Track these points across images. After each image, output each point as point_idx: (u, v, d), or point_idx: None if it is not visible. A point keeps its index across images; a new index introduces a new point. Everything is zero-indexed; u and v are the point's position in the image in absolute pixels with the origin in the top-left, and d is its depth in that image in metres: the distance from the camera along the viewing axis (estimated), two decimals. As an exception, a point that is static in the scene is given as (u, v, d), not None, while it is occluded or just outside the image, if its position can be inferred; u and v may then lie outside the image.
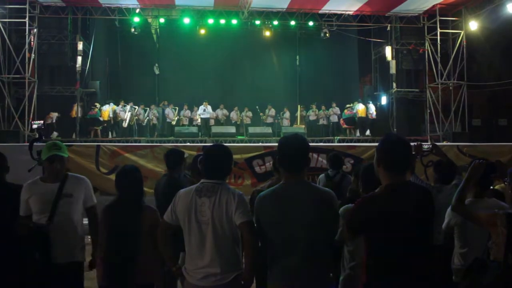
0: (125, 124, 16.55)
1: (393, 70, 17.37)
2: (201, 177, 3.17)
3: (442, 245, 3.72)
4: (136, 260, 3.30)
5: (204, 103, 17.30)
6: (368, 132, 17.18)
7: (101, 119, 16.54)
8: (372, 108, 17.55)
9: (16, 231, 3.51)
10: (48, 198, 3.50)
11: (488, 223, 2.76)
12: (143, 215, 3.39)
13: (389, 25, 17.57)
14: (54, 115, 15.63)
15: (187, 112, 17.53)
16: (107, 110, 16.66)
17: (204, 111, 17.25)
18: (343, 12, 16.83)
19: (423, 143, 4.42)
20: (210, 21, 17.00)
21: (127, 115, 16.62)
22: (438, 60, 16.50)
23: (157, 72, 19.11)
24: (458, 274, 3.44)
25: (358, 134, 17.40)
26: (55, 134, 14.96)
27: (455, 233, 3.51)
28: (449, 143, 12.64)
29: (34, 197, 3.54)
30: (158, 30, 19.68)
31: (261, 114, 17.88)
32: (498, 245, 2.69)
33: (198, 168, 3.89)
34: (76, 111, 15.94)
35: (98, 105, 16.54)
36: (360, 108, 17.36)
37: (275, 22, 17.34)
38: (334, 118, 17.68)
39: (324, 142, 15.32)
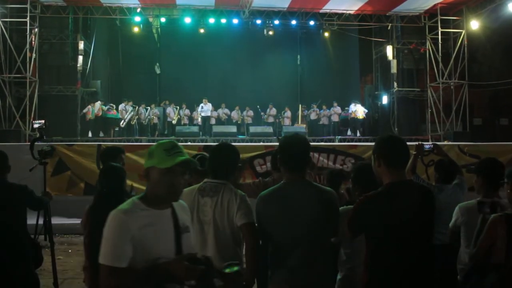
0: (123, 124, 16.60)
1: (394, 69, 17.37)
2: (199, 177, 3.15)
3: (448, 245, 3.71)
4: None
5: (204, 100, 17.29)
6: (358, 133, 17.22)
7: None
8: (359, 109, 17.39)
9: None
10: (164, 233, 2.14)
11: (490, 230, 2.75)
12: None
13: (390, 24, 17.55)
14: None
15: (187, 111, 17.54)
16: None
17: (202, 108, 17.23)
18: (344, 12, 16.81)
19: (424, 143, 4.42)
20: (211, 20, 17.00)
21: (127, 115, 16.65)
22: (439, 59, 16.47)
23: (158, 71, 19.12)
24: (463, 274, 3.44)
25: (349, 133, 17.42)
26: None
27: (461, 232, 3.50)
28: (450, 143, 12.62)
29: (146, 233, 2.08)
30: (159, 29, 19.70)
31: (262, 113, 17.88)
32: (499, 248, 2.69)
33: (197, 168, 3.83)
34: (96, 110, 16.23)
35: (113, 105, 16.74)
36: (353, 109, 17.45)
37: (276, 22, 17.32)
38: (335, 118, 17.68)
39: (325, 141, 15.31)
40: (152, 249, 2.06)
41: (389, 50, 17.46)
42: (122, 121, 16.63)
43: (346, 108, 17.67)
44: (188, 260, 2.02)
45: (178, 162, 2.12)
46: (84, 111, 16.06)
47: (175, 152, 2.16)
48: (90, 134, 16.03)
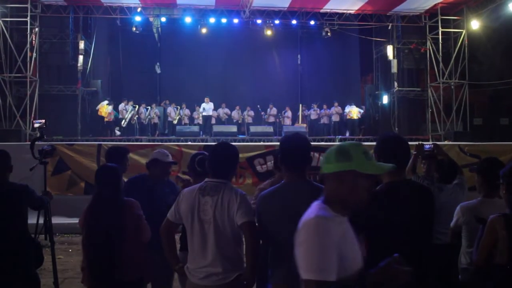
0: (124, 123, 16.63)
1: (394, 69, 17.38)
2: (198, 177, 3.13)
3: (449, 244, 3.71)
4: (121, 257, 3.23)
5: (206, 99, 17.27)
6: (347, 133, 17.42)
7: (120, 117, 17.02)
8: (353, 109, 17.63)
9: None
10: (353, 240, 2.00)
11: (491, 232, 2.75)
12: (125, 210, 3.33)
13: (390, 24, 17.56)
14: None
15: (187, 111, 17.55)
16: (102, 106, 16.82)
17: (204, 110, 17.21)
18: (345, 11, 16.82)
19: (424, 143, 4.41)
20: (212, 20, 17.02)
21: (128, 114, 16.68)
22: (440, 59, 16.48)
23: (158, 71, 19.13)
24: (464, 274, 3.44)
25: (347, 135, 17.50)
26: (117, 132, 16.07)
27: (463, 232, 3.50)
28: (450, 142, 12.61)
29: (344, 241, 1.90)
30: (159, 29, 19.71)
31: (262, 113, 17.88)
32: (501, 249, 2.68)
33: (196, 168, 3.80)
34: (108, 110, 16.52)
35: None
36: (346, 110, 17.63)
37: (277, 21, 17.34)
38: (336, 118, 17.70)
39: (326, 141, 15.31)
40: (348, 259, 1.86)
41: (390, 50, 17.48)
42: (123, 120, 16.65)
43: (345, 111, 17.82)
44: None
45: (387, 168, 1.97)
46: (108, 111, 16.39)
47: (370, 156, 1.97)
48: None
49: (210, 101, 17.33)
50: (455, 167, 4.31)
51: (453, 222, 3.56)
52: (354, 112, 17.52)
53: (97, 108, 16.63)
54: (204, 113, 17.21)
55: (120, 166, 4.06)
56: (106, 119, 16.51)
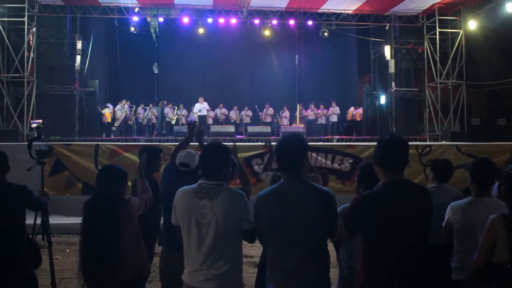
0: (117, 123, 16.63)
1: (392, 69, 17.38)
2: None
3: (445, 244, 3.72)
4: (120, 256, 3.20)
5: (200, 99, 17.19)
6: (354, 134, 17.56)
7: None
8: (357, 111, 17.90)
9: None
10: None
11: (490, 232, 2.75)
12: (122, 208, 3.30)
13: (388, 24, 17.56)
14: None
15: (184, 111, 17.53)
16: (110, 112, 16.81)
17: (199, 111, 17.19)
18: (342, 11, 16.82)
19: None
20: (209, 20, 17.01)
21: (122, 114, 16.66)
22: (437, 59, 16.50)
23: (156, 71, 19.12)
24: (456, 272, 3.45)
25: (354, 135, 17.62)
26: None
27: (453, 231, 3.52)
28: (448, 143, 12.64)
29: None
30: (157, 29, 19.71)
31: (260, 113, 17.89)
32: (500, 249, 2.69)
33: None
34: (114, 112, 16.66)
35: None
36: (355, 112, 17.74)
37: (274, 21, 17.34)
38: (334, 118, 17.72)
39: (323, 141, 15.32)
40: None
41: (387, 50, 17.49)
42: (117, 121, 16.67)
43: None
44: None
45: None
46: (125, 116, 16.65)
47: None
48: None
49: (205, 101, 17.28)
50: (451, 167, 4.33)
51: (444, 222, 3.58)
52: (357, 114, 17.75)
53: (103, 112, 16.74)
54: (199, 113, 17.18)
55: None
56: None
